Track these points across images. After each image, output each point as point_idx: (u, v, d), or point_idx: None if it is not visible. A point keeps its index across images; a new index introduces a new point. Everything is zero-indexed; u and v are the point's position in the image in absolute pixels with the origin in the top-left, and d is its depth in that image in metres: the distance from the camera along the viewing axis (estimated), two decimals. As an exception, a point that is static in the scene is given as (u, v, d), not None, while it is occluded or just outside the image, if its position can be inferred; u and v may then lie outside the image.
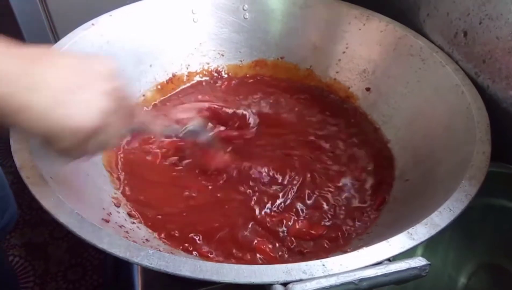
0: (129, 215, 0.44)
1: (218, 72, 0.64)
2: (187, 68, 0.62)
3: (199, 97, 0.60)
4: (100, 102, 0.31)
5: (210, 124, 0.54)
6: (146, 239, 0.41)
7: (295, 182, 0.49)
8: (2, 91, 0.28)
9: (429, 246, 0.51)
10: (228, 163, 0.49)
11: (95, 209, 0.40)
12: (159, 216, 0.44)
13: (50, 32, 0.68)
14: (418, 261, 0.29)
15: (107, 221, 0.39)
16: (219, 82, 0.63)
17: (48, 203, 0.33)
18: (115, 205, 0.43)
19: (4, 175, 0.59)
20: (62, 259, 0.84)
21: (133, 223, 0.42)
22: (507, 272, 0.44)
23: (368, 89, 0.59)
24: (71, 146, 0.31)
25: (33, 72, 0.29)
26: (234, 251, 0.41)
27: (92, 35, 0.52)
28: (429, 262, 0.29)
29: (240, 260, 0.40)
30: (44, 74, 0.30)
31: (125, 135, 0.38)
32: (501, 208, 0.45)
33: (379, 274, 0.28)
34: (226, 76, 0.64)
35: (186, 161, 0.50)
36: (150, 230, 0.43)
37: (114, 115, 0.33)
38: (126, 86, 0.34)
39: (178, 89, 0.61)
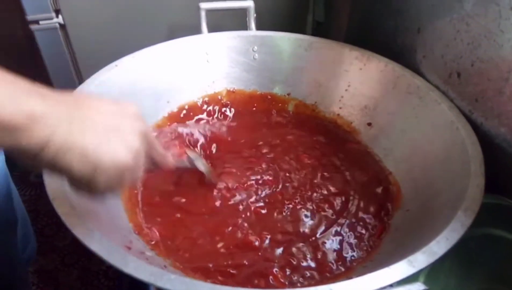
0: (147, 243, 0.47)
1: (228, 105, 0.68)
2: (200, 104, 0.66)
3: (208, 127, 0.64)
4: (134, 140, 0.35)
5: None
6: (164, 266, 0.43)
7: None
8: (45, 135, 0.29)
9: (430, 274, 0.53)
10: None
11: (118, 236, 0.43)
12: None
13: (74, 72, 0.73)
14: (417, 287, 0.31)
15: (129, 248, 0.42)
16: (229, 113, 0.68)
17: (80, 232, 0.36)
18: (135, 233, 0.46)
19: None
20: (72, 286, 0.85)
21: (152, 249, 0.45)
22: (505, 299, 0.46)
23: (369, 124, 0.63)
24: (106, 182, 0.33)
25: (79, 115, 0.32)
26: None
27: (116, 75, 0.56)
28: (427, 288, 0.31)
29: (255, 286, 0.43)
30: (90, 117, 0.32)
31: (147, 169, 0.41)
32: (498, 238, 0.47)
33: (381, 298, 0.31)
34: (234, 111, 0.68)
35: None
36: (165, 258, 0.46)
37: (143, 151, 0.36)
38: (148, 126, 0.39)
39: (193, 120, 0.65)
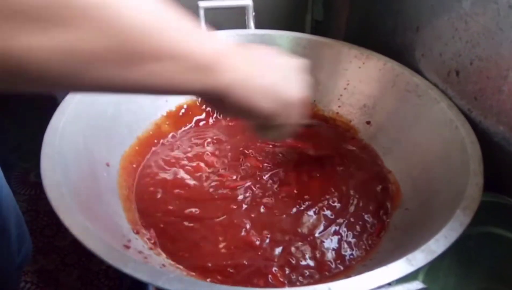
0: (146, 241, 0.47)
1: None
2: (199, 102, 0.66)
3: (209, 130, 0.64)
4: (304, 83, 0.38)
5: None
6: (163, 265, 0.43)
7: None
8: (237, 74, 0.30)
9: (429, 273, 0.53)
10: None
11: (117, 236, 0.43)
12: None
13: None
14: (416, 285, 0.31)
15: (128, 247, 0.42)
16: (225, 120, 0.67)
17: (78, 231, 0.36)
18: (134, 232, 0.46)
19: (17, 203, 0.61)
20: (73, 286, 0.85)
21: (151, 249, 0.45)
22: (504, 298, 0.46)
23: (368, 123, 0.63)
24: (296, 115, 0.37)
25: (259, 58, 0.34)
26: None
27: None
28: (426, 286, 0.31)
29: (254, 285, 0.43)
30: (268, 58, 0.35)
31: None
32: (497, 236, 0.47)
33: (380, 296, 0.31)
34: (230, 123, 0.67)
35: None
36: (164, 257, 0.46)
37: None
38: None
39: (193, 123, 0.65)
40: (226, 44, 0.31)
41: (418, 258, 0.35)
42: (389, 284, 0.33)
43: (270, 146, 0.61)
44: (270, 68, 0.34)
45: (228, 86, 0.30)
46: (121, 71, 0.24)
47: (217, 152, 0.60)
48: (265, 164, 0.57)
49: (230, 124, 0.66)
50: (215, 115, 0.67)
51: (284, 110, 0.35)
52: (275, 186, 0.54)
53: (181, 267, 0.44)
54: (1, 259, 0.54)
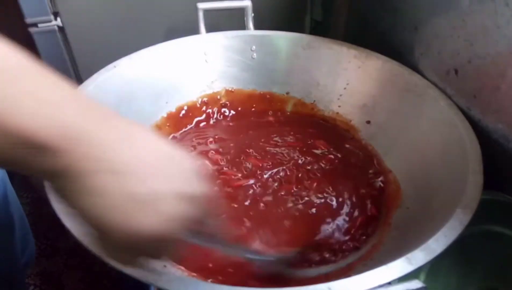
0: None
1: (227, 106, 0.68)
2: (199, 104, 0.67)
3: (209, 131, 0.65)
4: (174, 208, 0.26)
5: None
6: (164, 266, 0.44)
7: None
8: (85, 166, 0.23)
9: (430, 273, 0.53)
10: None
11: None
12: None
13: (73, 74, 0.73)
14: (415, 284, 0.31)
15: (129, 249, 0.42)
16: (228, 114, 0.68)
17: (79, 233, 0.36)
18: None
19: (21, 206, 0.62)
20: (76, 288, 0.86)
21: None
22: (504, 296, 0.46)
23: (368, 122, 0.63)
24: (115, 251, 0.28)
25: (118, 147, 0.25)
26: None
27: (114, 76, 0.56)
28: (425, 285, 0.31)
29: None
30: (132, 157, 0.25)
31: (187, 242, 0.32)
32: (497, 235, 0.47)
33: (379, 295, 0.31)
34: (234, 112, 0.68)
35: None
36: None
37: (185, 226, 0.28)
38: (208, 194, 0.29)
39: (193, 124, 0.65)
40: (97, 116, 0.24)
41: (418, 257, 0.35)
42: (389, 283, 0.33)
43: (271, 145, 0.61)
44: (136, 176, 0.24)
45: (59, 172, 0.23)
46: None
47: (220, 150, 0.60)
48: (265, 163, 0.58)
49: (230, 124, 0.66)
50: (215, 116, 0.67)
51: (105, 240, 0.27)
52: (275, 184, 0.54)
53: (182, 267, 0.45)
54: (7, 258, 0.54)
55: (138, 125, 0.28)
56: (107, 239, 0.26)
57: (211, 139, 0.62)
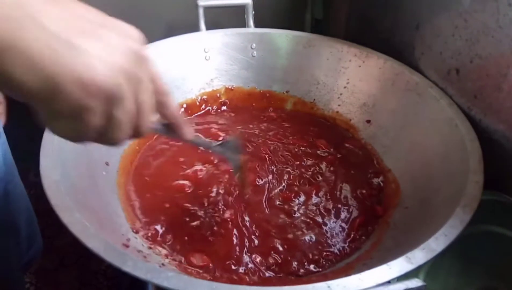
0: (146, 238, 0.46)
1: (226, 104, 0.68)
2: (199, 101, 0.66)
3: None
4: (119, 59, 0.23)
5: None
6: (162, 264, 0.43)
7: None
8: None
9: (430, 273, 0.53)
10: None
11: (116, 234, 0.42)
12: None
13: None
14: (415, 282, 0.31)
15: (127, 246, 0.41)
16: (227, 112, 0.67)
17: (77, 229, 0.35)
18: (133, 231, 0.46)
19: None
20: (72, 286, 0.85)
21: (150, 248, 0.45)
22: (504, 296, 0.46)
23: (368, 121, 0.63)
24: (77, 110, 0.23)
25: (34, 6, 0.21)
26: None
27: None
28: (425, 283, 0.31)
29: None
30: (49, 12, 0.21)
31: (151, 130, 0.29)
32: (496, 235, 0.47)
33: (379, 294, 0.30)
34: (232, 108, 0.68)
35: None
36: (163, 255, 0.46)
37: (136, 84, 0.25)
38: (151, 59, 0.27)
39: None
40: None
41: (418, 256, 0.35)
42: (389, 282, 0.33)
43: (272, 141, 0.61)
44: (61, 22, 0.21)
45: None
46: None
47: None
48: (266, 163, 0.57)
49: (231, 114, 0.66)
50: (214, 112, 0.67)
51: (58, 99, 0.22)
52: (275, 182, 0.54)
53: (180, 261, 0.44)
54: (8, 257, 0.53)
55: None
56: (57, 99, 0.22)
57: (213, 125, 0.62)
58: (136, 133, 0.28)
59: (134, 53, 0.24)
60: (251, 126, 0.64)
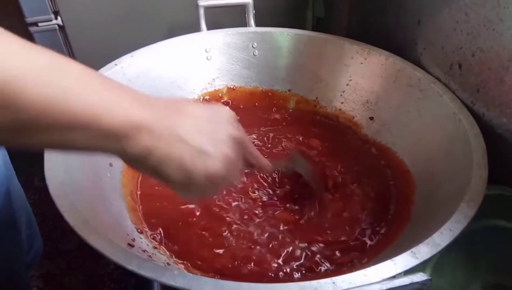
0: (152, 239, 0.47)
1: (228, 104, 0.68)
2: (201, 102, 0.66)
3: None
4: (228, 149, 0.34)
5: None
6: (167, 263, 0.43)
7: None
8: (147, 145, 0.30)
9: (436, 268, 0.53)
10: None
11: (121, 235, 0.43)
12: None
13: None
14: (420, 276, 0.31)
15: (132, 246, 0.42)
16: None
17: (82, 230, 0.36)
18: (138, 232, 0.46)
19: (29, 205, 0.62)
20: (78, 290, 0.86)
21: (155, 248, 0.45)
22: (511, 291, 0.46)
23: (371, 118, 0.62)
24: (201, 190, 0.35)
25: (172, 124, 0.31)
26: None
27: (115, 74, 0.56)
28: (430, 277, 0.31)
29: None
30: (188, 126, 0.33)
31: (243, 171, 0.41)
32: (502, 229, 0.47)
33: (384, 289, 0.30)
34: (235, 108, 0.68)
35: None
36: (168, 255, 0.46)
37: (237, 158, 0.36)
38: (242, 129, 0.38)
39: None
40: (155, 109, 0.31)
41: (423, 251, 0.35)
42: (394, 276, 0.33)
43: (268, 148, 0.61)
44: (191, 138, 0.32)
45: (144, 154, 0.30)
46: (22, 139, 0.26)
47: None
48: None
49: (238, 117, 0.65)
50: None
51: (194, 184, 0.33)
52: (277, 191, 0.53)
53: (185, 263, 0.44)
54: (11, 256, 0.54)
55: (175, 100, 0.36)
56: (193, 185, 0.33)
57: None
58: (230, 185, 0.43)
59: (235, 139, 0.36)
60: (255, 132, 0.63)
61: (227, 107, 0.38)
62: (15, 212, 0.53)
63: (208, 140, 0.33)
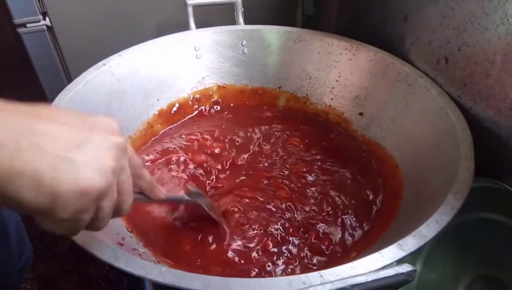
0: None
1: (219, 103, 0.68)
2: (191, 100, 0.66)
3: (199, 126, 0.64)
4: (107, 158, 0.27)
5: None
6: (158, 261, 0.43)
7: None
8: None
9: (427, 261, 0.53)
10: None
11: (110, 233, 0.42)
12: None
13: (63, 73, 0.73)
14: (405, 267, 0.31)
15: (122, 245, 0.42)
16: (222, 111, 0.67)
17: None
18: (128, 231, 0.46)
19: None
20: (73, 292, 0.85)
21: (145, 247, 0.45)
22: (500, 282, 0.46)
23: (361, 114, 0.63)
24: (75, 215, 0.26)
25: (32, 130, 0.24)
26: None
27: (104, 74, 0.56)
28: (415, 268, 0.31)
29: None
30: (48, 131, 0.25)
31: (133, 201, 0.33)
32: (491, 222, 0.47)
33: (369, 280, 0.30)
34: (225, 106, 0.68)
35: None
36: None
37: (119, 173, 0.29)
38: (129, 143, 0.31)
39: (184, 119, 0.65)
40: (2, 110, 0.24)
41: (410, 243, 0.35)
42: (381, 268, 0.33)
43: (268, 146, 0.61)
44: (52, 146, 0.24)
45: None
46: None
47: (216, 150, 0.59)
48: (260, 165, 0.57)
49: (229, 116, 0.66)
50: (207, 112, 0.67)
51: (60, 207, 0.25)
52: (271, 188, 0.54)
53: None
54: (2, 263, 0.53)
55: (47, 108, 0.27)
56: (60, 209, 0.25)
57: (199, 136, 0.61)
58: (119, 213, 0.31)
59: (116, 147, 0.28)
60: (245, 131, 0.63)
61: (109, 117, 0.30)
62: (5, 220, 0.52)
63: (78, 147, 0.25)
